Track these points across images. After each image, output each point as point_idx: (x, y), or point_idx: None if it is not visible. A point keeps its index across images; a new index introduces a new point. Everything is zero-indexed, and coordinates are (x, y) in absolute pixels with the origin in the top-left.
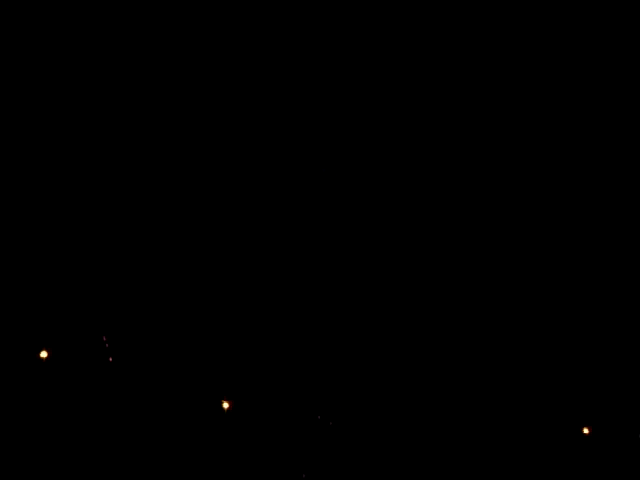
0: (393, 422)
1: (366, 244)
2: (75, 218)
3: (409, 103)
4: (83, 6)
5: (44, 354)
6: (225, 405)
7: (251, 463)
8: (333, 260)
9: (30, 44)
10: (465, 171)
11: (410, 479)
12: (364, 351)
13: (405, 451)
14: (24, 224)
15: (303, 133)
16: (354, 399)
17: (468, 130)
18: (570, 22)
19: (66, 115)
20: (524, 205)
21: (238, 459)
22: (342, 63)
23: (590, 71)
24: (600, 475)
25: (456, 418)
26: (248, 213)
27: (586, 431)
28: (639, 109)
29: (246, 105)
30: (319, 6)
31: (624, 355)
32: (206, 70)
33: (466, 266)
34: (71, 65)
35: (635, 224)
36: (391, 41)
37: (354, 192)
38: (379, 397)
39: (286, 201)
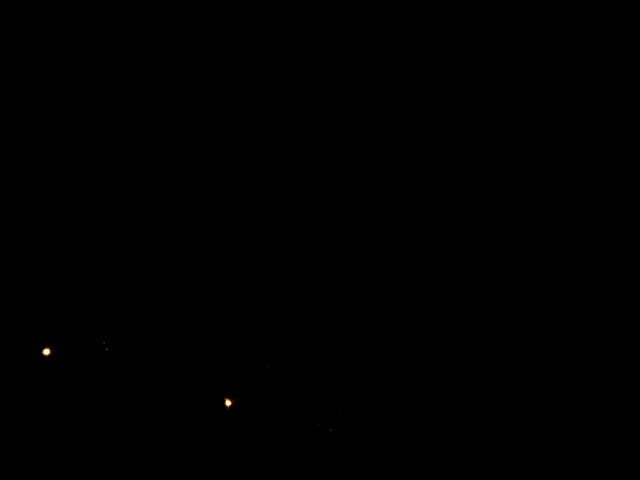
0: (393, 428)
1: (365, 242)
2: (77, 224)
3: (408, 102)
4: (83, 6)
5: (43, 358)
6: (227, 403)
7: (251, 471)
8: (332, 259)
9: (30, 44)
10: (464, 169)
11: None
12: (365, 358)
13: (405, 457)
14: (25, 230)
15: (302, 132)
16: (354, 405)
17: (467, 129)
18: (570, 22)
19: (66, 115)
20: (524, 205)
21: (237, 466)
22: (340, 62)
23: (590, 71)
24: (600, 475)
25: (457, 423)
26: (246, 212)
27: (584, 430)
28: (639, 109)
29: (244, 104)
30: (319, 6)
31: (624, 355)
32: (204, 69)
33: (466, 265)
34: (71, 65)
35: (635, 224)
36: (389, 39)
37: (353, 191)
38: (380, 403)
39: (285, 199)
